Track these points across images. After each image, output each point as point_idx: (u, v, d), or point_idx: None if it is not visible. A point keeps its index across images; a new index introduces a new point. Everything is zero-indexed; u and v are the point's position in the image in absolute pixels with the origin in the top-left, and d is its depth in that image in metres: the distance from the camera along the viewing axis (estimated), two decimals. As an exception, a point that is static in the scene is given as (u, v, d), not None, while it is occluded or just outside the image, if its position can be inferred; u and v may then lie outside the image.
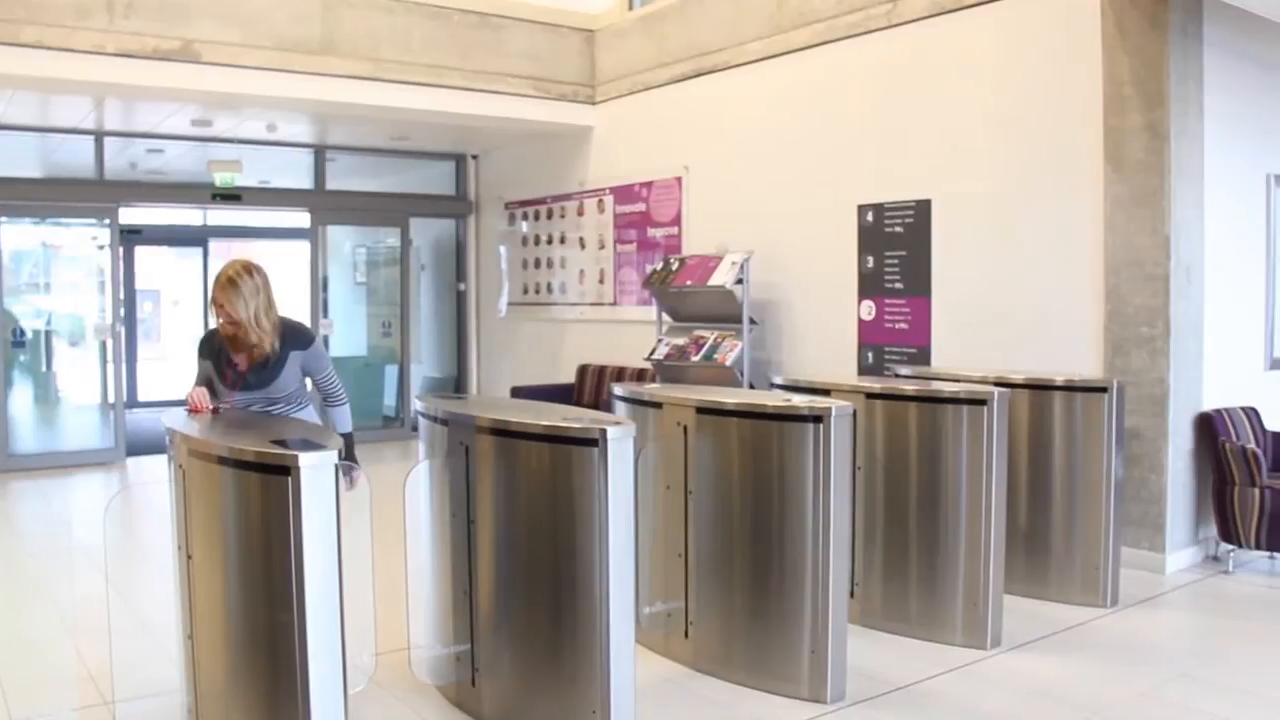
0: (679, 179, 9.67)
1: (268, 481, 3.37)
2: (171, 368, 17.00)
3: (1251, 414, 6.90)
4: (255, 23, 8.85)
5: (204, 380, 4.49)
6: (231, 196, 11.49)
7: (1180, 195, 6.43)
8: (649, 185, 10.01)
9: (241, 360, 4.46)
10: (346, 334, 12.68)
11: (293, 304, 15.74)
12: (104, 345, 10.96)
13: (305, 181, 12.19)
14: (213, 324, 4.59)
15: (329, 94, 9.28)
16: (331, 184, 12.19)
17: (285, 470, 3.29)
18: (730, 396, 5.05)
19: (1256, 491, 6.35)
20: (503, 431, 4.12)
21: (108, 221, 10.89)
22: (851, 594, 5.26)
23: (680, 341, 8.89)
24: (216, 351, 4.52)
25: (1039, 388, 6.05)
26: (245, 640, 3.62)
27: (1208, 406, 6.70)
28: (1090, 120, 6.69)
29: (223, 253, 17.75)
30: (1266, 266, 7.32)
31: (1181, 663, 5.06)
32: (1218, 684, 4.74)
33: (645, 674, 4.53)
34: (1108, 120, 6.61)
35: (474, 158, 12.80)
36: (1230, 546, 6.56)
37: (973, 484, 5.17)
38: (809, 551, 4.49)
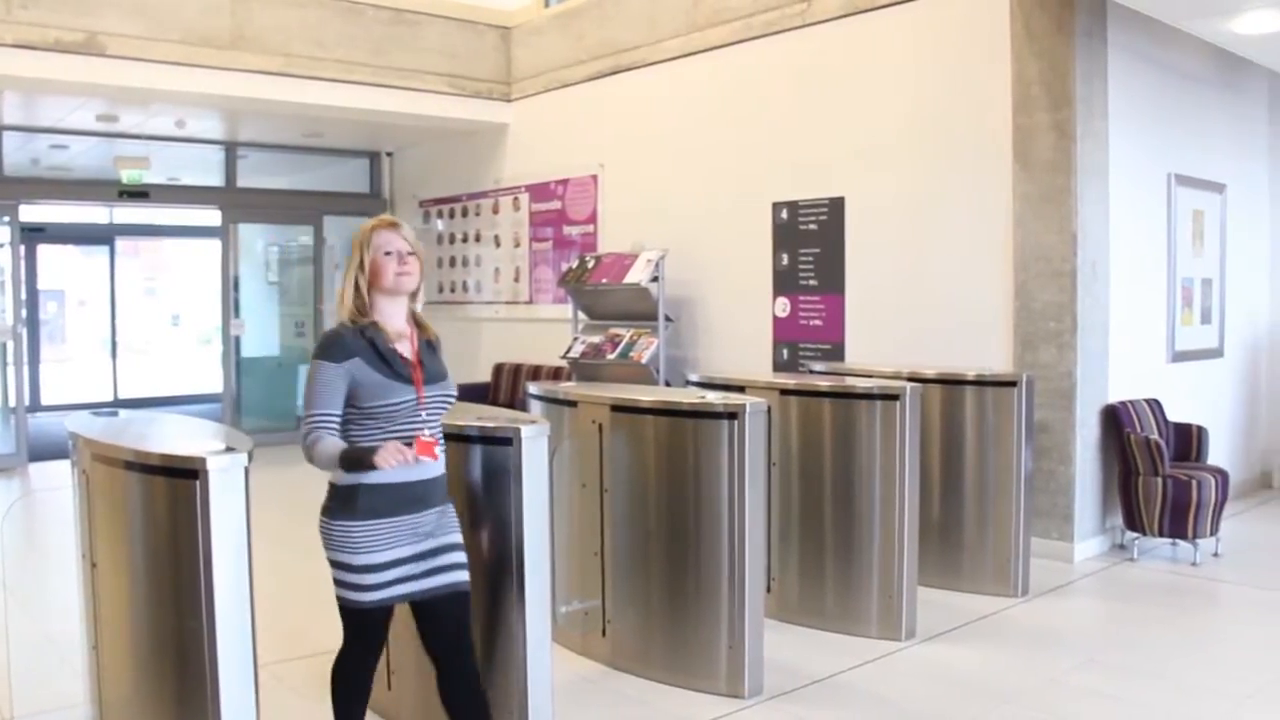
0: (595, 177, 9.66)
1: (175, 485, 3.29)
2: (76, 370, 16.60)
3: (1154, 406, 7.08)
4: (162, 15, 8.66)
5: (335, 396, 3.15)
6: (139, 194, 11.24)
7: (1086, 193, 6.57)
8: (565, 183, 9.99)
9: (405, 347, 3.28)
10: (259, 334, 12.47)
11: (203, 304, 15.49)
12: (4, 347, 10.65)
13: (215, 178, 11.97)
14: (327, 322, 3.75)
15: (239, 89, 9.11)
16: (243, 181, 11.98)
17: (193, 474, 3.22)
18: (645, 394, 5.05)
19: (1159, 481, 6.52)
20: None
21: (7, 219, 10.60)
22: (768, 589, 5.31)
23: (596, 340, 8.88)
24: (369, 345, 3.20)
25: (950, 383, 6.14)
26: (153, 650, 3.53)
27: (1113, 399, 6.87)
28: (1000, 120, 6.81)
29: (130, 251, 17.40)
30: (1167, 262, 7.51)
31: (1089, 648, 5.18)
32: (1124, 668, 4.87)
33: (563, 673, 4.52)
34: (1016, 120, 6.73)
35: (388, 155, 12.67)
36: (1135, 534, 6.73)
37: (886, 478, 5.23)
38: (725, 547, 4.51)
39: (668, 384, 8.27)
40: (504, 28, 10.55)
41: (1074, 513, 6.59)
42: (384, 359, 3.19)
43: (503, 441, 3.84)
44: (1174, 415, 7.21)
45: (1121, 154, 6.90)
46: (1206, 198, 7.97)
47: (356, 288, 3.25)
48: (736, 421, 4.49)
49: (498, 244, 10.85)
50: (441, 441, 3.32)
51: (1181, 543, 6.71)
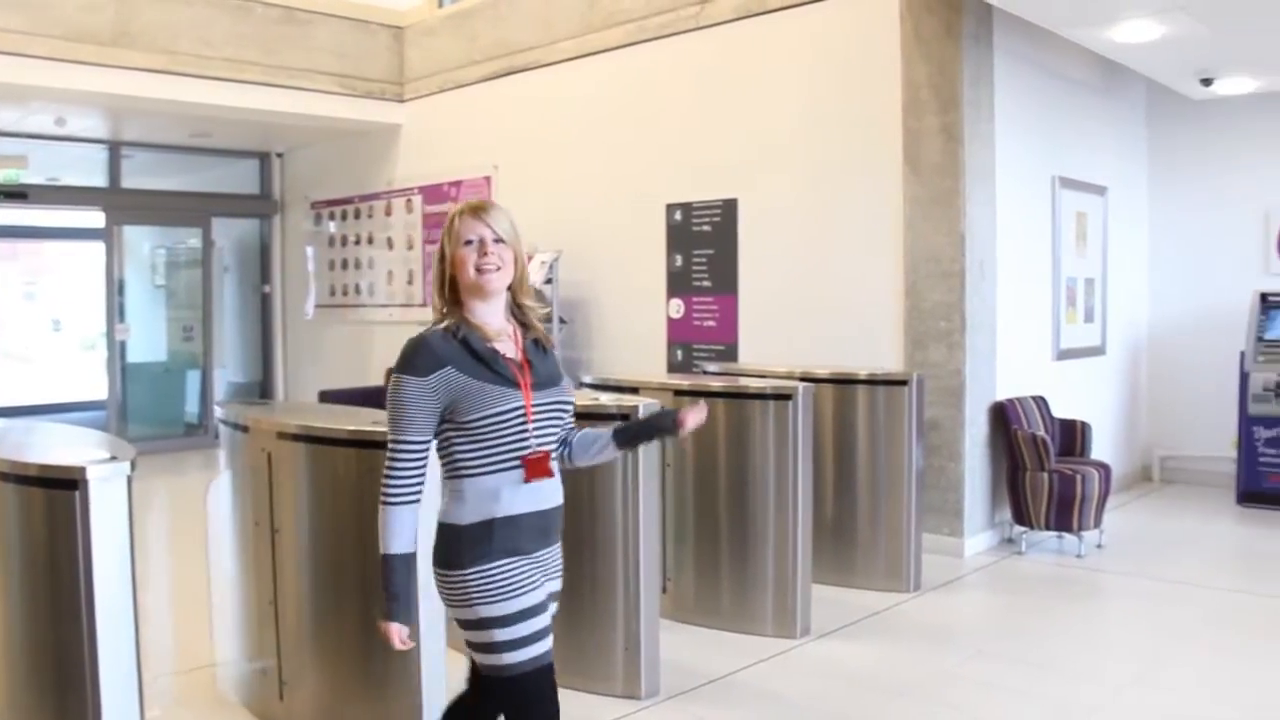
0: (489, 178, 9.59)
1: (53, 497, 3.17)
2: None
3: (1041, 402, 7.25)
4: (42, 9, 8.38)
5: (422, 418, 2.65)
6: (16, 194, 10.86)
7: (974, 195, 6.70)
8: (458, 184, 9.90)
9: (507, 346, 2.76)
10: (145, 339, 12.13)
11: (87, 308, 15.03)
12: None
13: (99, 179, 11.61)
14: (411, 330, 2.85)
15: (122, 87, 8.86)
16: (128, 182, 11.64)
17: (72, 484, 3.11)
18: (541, 396, 5.01)
19: (1046, 476, 6.68)
20: (308, 438, 4.01)
21: (-128, 221, 10.19)
22: (664, 589, 5.31)
23: (492, 342, 8.80)
24: (461, 347, 2.68)
25: (843, 382, 6.21)
26: (31, 665, 3.39)
27: (1001, 396, 7.02)
28: (890, 123, 6.91)
29: (8, 255, 16.81)
30: (1052, 263, 7.71)
31: (980, 641, 5.30)
32: (1012, 658, 4.98)
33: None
34: (906, 123, 6.84)
35: (279, 156, 12.42)
36: (1023, 528, 6.89)
37: (780, 477, 5.27)
38: (620, 549, 4.51)
39: (564, 386, 8.23)
40: (397, 27, 10.43)
41: (964, 509, 6.72)
42: (482, 360, 2.66)
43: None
44: (1059, 412, 7.39)
45: (1008, 157, 7.06)
46: (1089, 200, 8.19)
47: (440, 284, 2.77)
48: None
49: (391, 246, 10.71)
50: (556, 457, 2.82)
51: (1067, 535, 6.87)
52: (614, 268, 8.59)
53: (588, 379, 5.98)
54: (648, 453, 4.49)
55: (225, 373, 12.63)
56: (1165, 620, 5.59)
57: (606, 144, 8.62)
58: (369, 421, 3.96)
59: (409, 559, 2.66)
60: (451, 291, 2.74)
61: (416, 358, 2.64)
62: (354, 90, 10.18)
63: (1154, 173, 9.21)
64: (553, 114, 9.05)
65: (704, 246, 7.96)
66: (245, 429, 4.30)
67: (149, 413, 11.91)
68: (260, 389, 12.68)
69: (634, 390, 5.45)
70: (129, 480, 3.19)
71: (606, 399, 4.74)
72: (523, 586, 2.67)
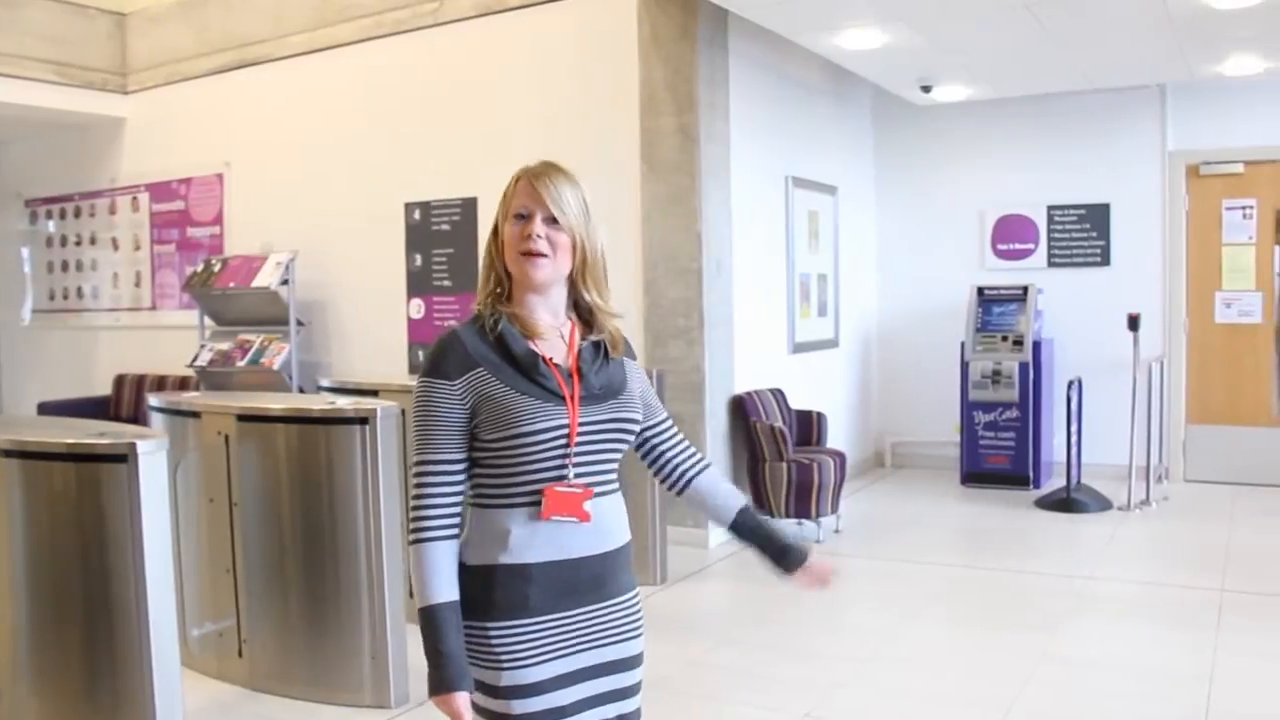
0: (220, 176, 9.18)
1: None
2: None
3: (778, 395, 7.50)
4: None
5: (451, 431, 2.09)
6: None
7: (710, 194, 6.86)
8: (188, 182, 9.43)
9: (555, 349, 2.17)
10: None
11: None
12: None
13: None
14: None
15: None
16: None
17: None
18: (274, 402, 4.90)
19: (784, 465, 6.91)
20: (21, 453, 3.77)
21: None
22: (411, 594, 5.19)
23: (225, 346, 8.45)
24: (496, 346, 2.13)
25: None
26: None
27: (739, 390, 7.22)
28: (628, 122, 7.00)
29: None
30: (786, 260, 7.99)
31: (725, 628, 5.46)
32: (758, 643, 5.17)
33: (196, 699, 4.32)
34: (644, 123, 6.94)
35: (-12, 149, 11.55)
36: (764, 517, 7.08)
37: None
38: (362, 555, 4.41)
39: (301, 390, 7.99)
40: (119, 14, 9.82)
41: (707, 500, 6.85)
42: (518, 364, 2.10)
43: (117, 459, 3.61)
44: (796, 403, 7.67)
45: (743, 157, 7.27)
46: (821, 199, 8.53)
47: (489, 264, 2.19)
48: (368, 426, 4.40)
49: (116, 247, 10.10)
50: (610, 488, 2.19)
51: (807, 522, 7.12)
52: (353, 268, 8.36)
53: (326, 383, 5.86)
54: (386, 456, 4.41)
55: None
56: (898, 598, 5.90)
57: (343, 141, 8.37)
58: (86, 434, 3.78)
59: (455, 607, 2.06)
60: (489, 277, 2.19)
61: (445, 358, 2.10)
62: (72, 79, 9.53)
63: (880, 174, 9.70)
64: (287, 110, 8.73)
65: (444, 246, 7.86)
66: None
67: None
68: (-30, 403, 11.75)
69: (374, 393, 5.35)
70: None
71: (345, 403, 4.63)
72: (522, 654, 2.07)
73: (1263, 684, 4.50)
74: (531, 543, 2.07)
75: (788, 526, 2.22)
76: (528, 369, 2.09)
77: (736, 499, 2.40)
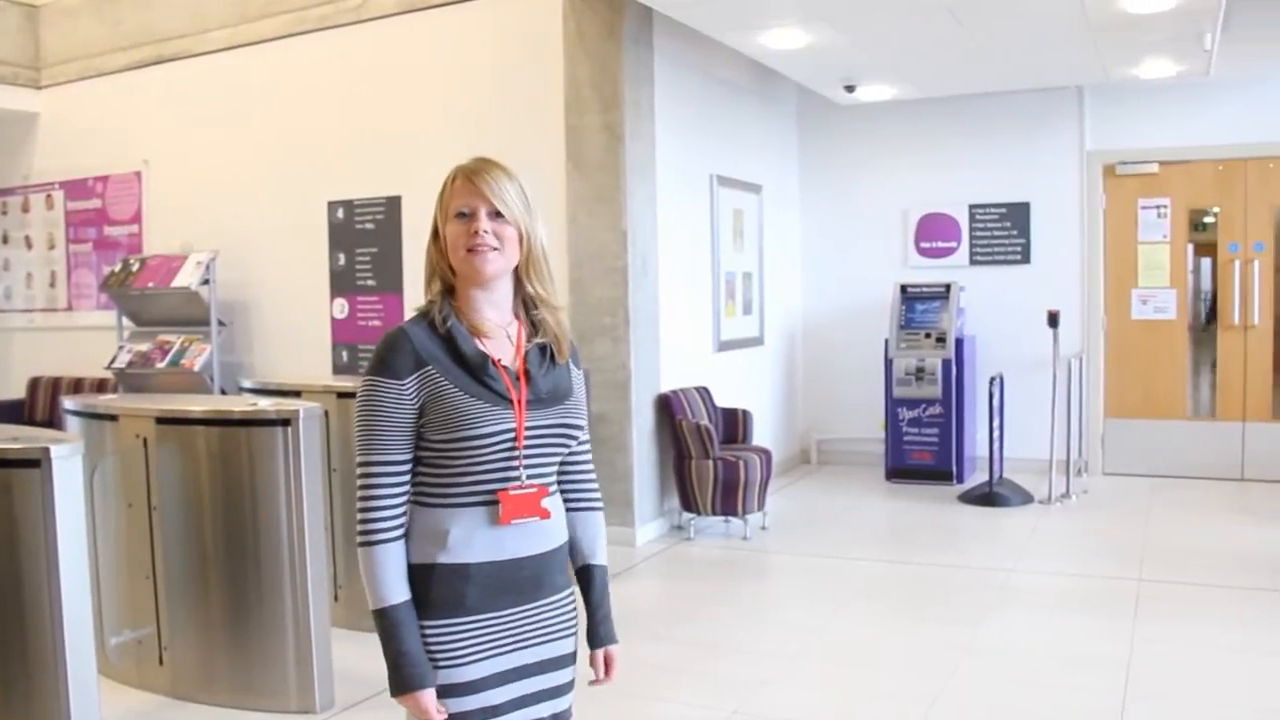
0: (139, 173, 9.00)
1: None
2: None
3: (704, 393, 7.53)
4: None
5: (397, 431, 2.07)
6: None
7: (636, 193, 6.87)
8: (105, 180, 9.24)
9: (503, 349, 2.15)
10: None
11: None
12: None
13: None
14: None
15: None
16: None
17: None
18: (194, 404, 4.79)
19: (710, 463, 6.93)
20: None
21: None
22: (336, 598, 5.15)
23: (144, 347, 8.29)
24: (446, 344, 2.10)
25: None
26: None
27: (665, 388, 7.24)
28: (554, 120, 6.97)
29: None
30: (712, 258, 8.02)
31: (655, 626, 5.44)
32: (687, 641, 5.18)
33: (115, 709, 4.25)
34: (569, 120, 6.92)
35: (-107, 146, 11.22)
36: (691, 515, 7.13)
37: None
38: (285, 559, 4.35)
39: (223, 392, 7.86)
40: (30, 5, 9.57)
41: (634, 499, 6.88)
42: (467, 366, 2.08)
43: (30, 464, 3.52)
44: (721, 401, 7.71)
45: (668, 155, 7.28)
46: (745, 197, 8.58)
47: (432, 265, 2.18)
48: (290, 428, 4.34)
49: (29, 246, 9.86)
50: (554, 491, 2.21)
51: (733, 519, 7.17)
52: (275, 267, 8.23)
53: (248, 384, 5.78)
54: (309, 457, 4.34)
55: None
56: (825, 593, 5.94)
57: (264, 139, 8.24)
58: (4, 438, 3.68)
59: (410, 607, 2.06)
60: (431, 274, 2.19)
61: (395, 356, 2.06)
62: (-20, 74, 9.31)
63: (805, 173, 9.77)
64: (207, 107, 8.56)
65: (368, 244, 7.77)
66: None
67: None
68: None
69: (297, 394, 5.28)
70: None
71: (266, 404, 4.57)
72: (456, 654, 2.08)
73: (1178, 670, 4.62)
74: (471, 542, 2.07)
75: (609, 616, 2.21)
76: (476, 370, 2.08)
77: (598, 555, 2.35)
